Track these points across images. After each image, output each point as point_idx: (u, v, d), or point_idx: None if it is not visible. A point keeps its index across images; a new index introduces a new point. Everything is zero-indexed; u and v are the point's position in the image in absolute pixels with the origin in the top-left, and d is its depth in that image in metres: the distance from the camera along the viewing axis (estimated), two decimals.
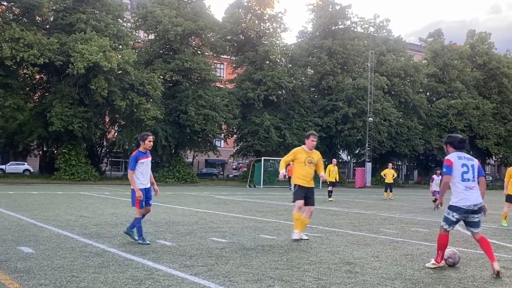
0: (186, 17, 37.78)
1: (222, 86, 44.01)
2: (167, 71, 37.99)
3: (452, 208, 6.14)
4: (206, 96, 37.67)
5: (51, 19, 36.09)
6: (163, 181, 36.43)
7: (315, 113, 45.42)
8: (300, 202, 8.27)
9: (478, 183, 6.18)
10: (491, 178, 63.73)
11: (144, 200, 7.66)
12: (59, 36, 32.75)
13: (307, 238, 8.42)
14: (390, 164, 26.09)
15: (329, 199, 20.83)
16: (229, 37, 44.52)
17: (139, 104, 33.46)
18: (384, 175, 24.57)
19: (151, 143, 7.77)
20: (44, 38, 31.75)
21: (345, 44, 47.25)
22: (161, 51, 39.59)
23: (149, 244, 7.43)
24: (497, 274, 5.83)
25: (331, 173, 21.79)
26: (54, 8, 35.15)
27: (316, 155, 8.47)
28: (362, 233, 9.64)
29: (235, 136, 45.69)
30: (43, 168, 40.19)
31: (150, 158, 7.87)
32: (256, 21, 44.73)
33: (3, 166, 43.12)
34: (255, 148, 41.21)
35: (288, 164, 8.97)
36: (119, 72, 33.10)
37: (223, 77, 51.77)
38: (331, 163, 22.78)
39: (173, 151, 39.85)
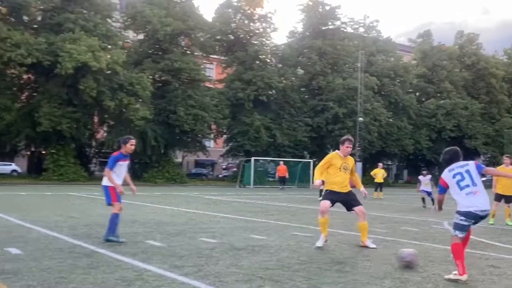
0: (175, 17, 37.63)
1: (211, 86, 43.89)
2: (156, 71, 37.82)
3: (460, 213, 5.71)
4: (196, 96, 37.56)
5: (39, 18, 35.73)
6: (152, 181, 36.29)
7: (305, 113, 45.48)
8: (325, 204, 7.80)
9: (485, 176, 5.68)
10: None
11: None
12: (47, 35, 32.44)
13: (374, 246, 7.74)
14: (380, 164, 26.18)
15: (319, 198, 20.80)
16: (218, 37, 44.41)
17: (128, 104, 33.28)
18: (374, 174, 24.65)
19: (133, 147, 7.79)
20: (31, 37, 31.43)
21: (335, 44, 47.35)
22: (150, 51, 39.39)
23: (123, 242, 7.38)
24: None
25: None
26: (42, 7, 34.82)
27: (351, 161, 8.11)
28: (352, 233, 9.66)
29: (225, 136, 45.61)
30: (31, 169, 39.83)
31: (128, 162, 7.91)
32: (246, 21, 44.70)
33: None
34: (245, 148, 41.17)
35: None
36: (108, 72, 32.87)
37: (213, 77, 51.62)
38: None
39: (162, 151, 39.67)
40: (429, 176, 19.05)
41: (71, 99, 33.12)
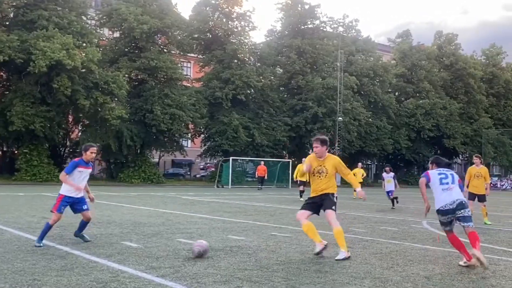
0: (152, 14, 37.27)
1: (189, 85, 43.61)
2: (132, 69, 37.38)
3: (437, 212, 6.61)
4: (173, 95, 37.27)
5: (11, 15, 34.98)
6: (128, 181, 35.91)
7: (284, 113, 45.52)
8: (300, 213, 7.29)
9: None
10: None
11: (77, 208, 7.61)
12: (19, 33, 31.79)
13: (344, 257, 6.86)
14: (360, 164, 26.33)
15: (300, 198, 20.78)
16: (196, 35, 44.17)
17: (103, 103, 32.82)
18: (354, 174, 24.76)
19: (93, 155, 7.67)
20: (3, 35, 30.75)
21: (315, 43, 47.52)
22: (126, 49, 38.93)
23: (41, 246, 7.15)
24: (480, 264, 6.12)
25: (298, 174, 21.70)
26: (14, 4, 34.07)
27: (331, 162, 7.18)
28: (332, 233, 9.64)
29: (202, 135, 45.37)
30: (3, 169, 38.96)
31: (89, 170, 7.76)
32: (224, 20, 44.54)
33: None
34: (223, 148, 41.00)
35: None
36: (83, 70, 32.37)
37: (190, 75, 51.35)
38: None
39: (138, 151, 39.28)
40: (392, 174, 18.81)
41: (44, 98, 32.53)
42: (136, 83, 39.55)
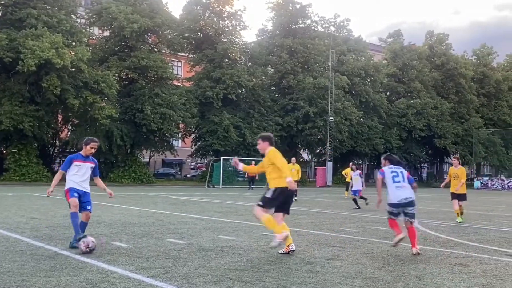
0: (142, 13, 37.10)
1: (179, 84, 43.45)
2: (122, 68, 37.17)
3: (390, 204, 7.53)
4: (163, 94, 37.12)
5: (0, 14, 34.69)
6: (118, 181, 35.74)
7: (275, 112, 45.51)
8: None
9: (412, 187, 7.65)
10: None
11: (82, 205, 7.30)
12: (8, 31, 31.52)
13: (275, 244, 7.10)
14: (351, 163, 26.32)
15: (294, 198, 20.67)
16: (186, 35, 44.05)
17: (93, 103, 32.62)
18: (345, 174, 24.77)
19: (93, 150, 7.50)
20: None
21: (306, 43, 47.54)
22: (116, 48, 38.72)
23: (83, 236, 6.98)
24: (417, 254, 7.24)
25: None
26: (2, 2, 33.69)
27: (266, 157, 7.50)
28: (323, 232, 9.66)
29: (193, 135, 45.26)
30: None
31: (90, 165, 7.50)
32: (215, 19, 44.44)
33: None
34: (214, 147, 40.91)
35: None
36: (72, 69, 32.16)
37: (181, 75, 51.17)
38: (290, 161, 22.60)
39: (128, 150, 39.10)
40: (358, 172, 18.34)
41: (33, 97, 32.27)
42: (126, 82, 39.35)
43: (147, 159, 46.02)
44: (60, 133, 40.42)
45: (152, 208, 14.70)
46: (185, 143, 47.11)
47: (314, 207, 16.97)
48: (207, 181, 37.25)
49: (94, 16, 38.38)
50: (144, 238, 8.27)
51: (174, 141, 45.84)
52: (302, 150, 52.02)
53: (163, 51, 41.56)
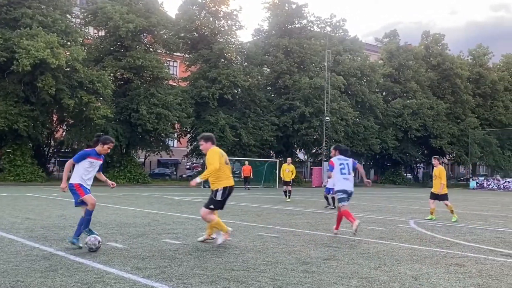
0: (138, 13, 37.02)
1: (175, 84, 43.39)
2: (118, 68, 37.06)
3: (339, 191, 9.03)
4: (159, 94, 37.05)
5: None
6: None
7: (271, 112, 45.49)
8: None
9: (356, 170, 9.30)
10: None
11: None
12: (2, 31, 31.38)
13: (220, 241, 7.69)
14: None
15: (287, 199, 20.66)
16: (182, 34, 43.97)
17: (88, 103, 32.52)
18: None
19: (108, 151, 7.51)
20: None
21: (302, 43, 47.55)
22: (111, 48, 38.60)
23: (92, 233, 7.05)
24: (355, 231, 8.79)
25: (284, 172, 21.53)
26: None
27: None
28: (319, 233, 9.66)
29: (188, 135, 45.19)
30: None
31: (100, 162, 7.54)
32: (211, 19, 44.39)
33: None
34: None
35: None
36: (68, 69, 32.05)
37: (176, 75, 51.09)
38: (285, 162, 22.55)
39: (124, 150, 38.99)
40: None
41: (28, 97, 32.16)
42: (122, 82, 39.24)
43: (143, 159, 45.92)
44: (55, 133, 40.29)
45: (147, 208, 14.66)
46: (181, 143, 47.02)
47: (310, 207, 16.96)
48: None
49: (90, 15, 38.24)
50: (140, 238, 8.24)
51: (169, 141, 45.77)
52: (298, 150, 52.01)
53: (159, 51, 41.49)
